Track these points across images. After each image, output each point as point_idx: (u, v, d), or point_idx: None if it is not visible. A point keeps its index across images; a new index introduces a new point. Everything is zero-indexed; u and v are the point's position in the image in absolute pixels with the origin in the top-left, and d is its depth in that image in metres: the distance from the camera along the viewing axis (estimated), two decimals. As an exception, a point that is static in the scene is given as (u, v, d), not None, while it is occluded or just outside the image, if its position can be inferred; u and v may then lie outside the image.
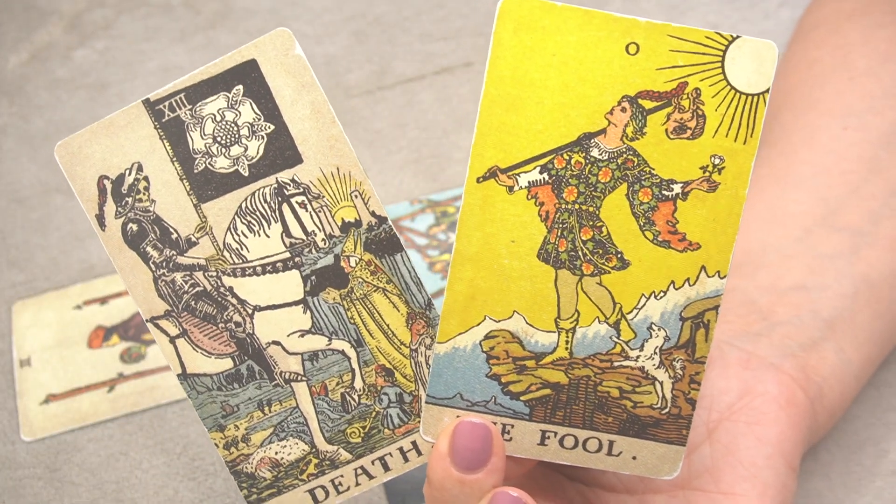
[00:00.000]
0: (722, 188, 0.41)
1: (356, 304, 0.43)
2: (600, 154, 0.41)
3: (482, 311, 0.42)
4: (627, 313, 0.42)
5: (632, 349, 0.42)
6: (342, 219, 0.42)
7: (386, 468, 0.44)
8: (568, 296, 0.42)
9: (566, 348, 0.42)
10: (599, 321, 0.42)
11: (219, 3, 0.78)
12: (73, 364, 0.60)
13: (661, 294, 0.42)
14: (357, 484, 0.44)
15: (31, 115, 0.72)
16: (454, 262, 0.41)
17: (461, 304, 0.42)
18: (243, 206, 0.42)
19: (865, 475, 0.53)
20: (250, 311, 0.43)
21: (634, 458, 0.43)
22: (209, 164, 0.42)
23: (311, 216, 0.42)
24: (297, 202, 0.42)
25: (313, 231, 0.42)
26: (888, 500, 0.52)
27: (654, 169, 0.41)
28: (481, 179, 0.41)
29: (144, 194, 0.42)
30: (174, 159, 0.42)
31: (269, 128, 0.42)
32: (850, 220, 0.52)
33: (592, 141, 0.41)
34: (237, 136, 0.42)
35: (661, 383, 0.42)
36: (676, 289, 0.41)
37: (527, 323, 0.42)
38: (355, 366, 0.43)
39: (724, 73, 0.40)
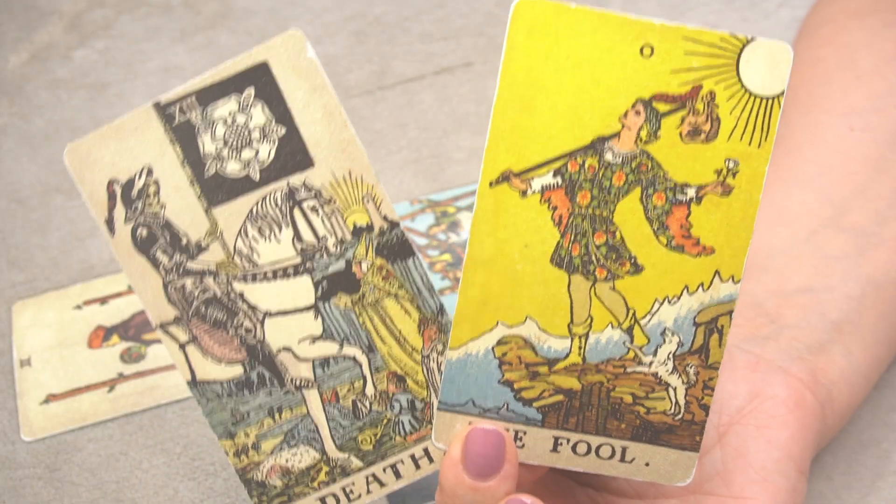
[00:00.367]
0: (736, 192, 0.40)
1: (368, 309, 0.43)
2: (614, 158, 0.40)
3: (495, 316, 0.42)
4: (641, 318, 0.42)
5: (645, 355, 0.42)
6: (354, 223, 0.42)
7: (398, 475, 0.44)
8: (581, 301, 0.41)
9: (579, 354, 0.42)
10: (613, 326, 0.42)
11: (219, 3, 0.78)
12: (74, 364, 0.60)
13: (675, 299, 0.41)
14: (368, 492, 0.44)
15: (31, 115, 0.72)
16: (466, 266, 0.41)
17: (473, 309, 0.41)
18: (254, 210, 0.42)
19: (867, 476, 0.53)
20: (261, 317, 0.42)
21: (647, 464, 0.43)
22: (220, 168, 0.41)
23: (323, 221, 0.42)
24: (308, 207, 0.42)
25: (324, 236, 0.42)
26: (890, 501, 0.52)
27: (668, 172, 0.40)
28: (494, 183, 0.41)
29: (154, 199, 0.41)
30: (184, 163, 0.41)
31: (280, 131, 0.41)
32: (857, 221, 0.52)
33: (606, 144, 0.40)
34: (248, 139, 0.41)
35: (675, 389, 0.42)
36: (690, 294, 0.41)
37: (539, 328, 0.42)
38: (367, 372, 0.43)
39: (738, 75, 0.40)
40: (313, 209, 0.42)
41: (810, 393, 0.47)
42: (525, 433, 0.42)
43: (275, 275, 0.42)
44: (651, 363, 0.42)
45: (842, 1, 0.61)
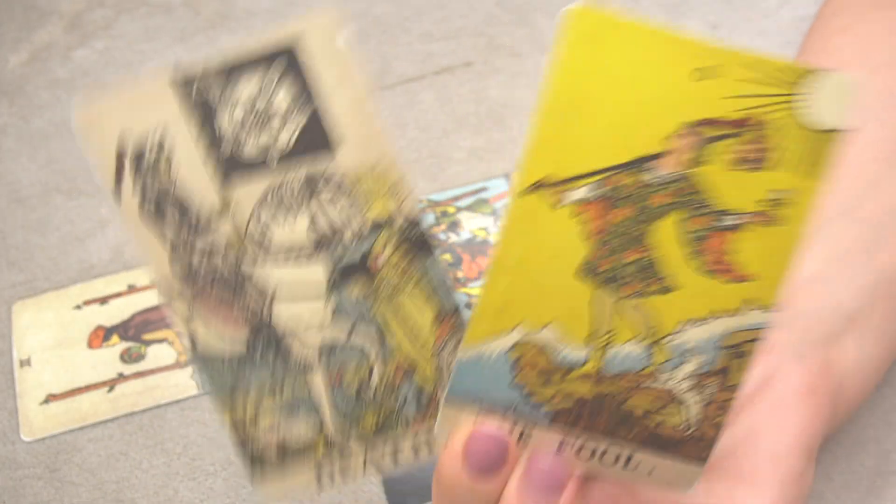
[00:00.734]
0: (780, 223, 0.39)
1: (381, 302, 0.42)
2: (655, 178, 0.39)
3: (513, 320, 0.41)
4: (664, 337, 0.41)
5: (663, 372, 0.41)
6: (374, 216, 0.41)
7: (395, 462, 0.44)
8: (603, 314, 0.41)
9: (596, 365, 0.41)
10: (634, 342, 0.41)
11: (219, 3, 0.78)
12: (73, 364, 0.60)
13: (702, 322, 0.40)
14: (364, 474, 0.44)
15: (30, 114, 0.72)
16: (492, 270, 0.40)
17: (493, 312, 0.41)
18: (269, 196, 0.40)
19: (867, 475, 0.53)
20: (268, 301, 0.42)
21: (650, 472, 0.42)
22: (236, 149, 0.40)
23: (341, 211, 0.41)
24: (325, 197, 0.41)
25: (341, 228, 0.41)
26: (890, 501, 0.52)
27: (709, 198, 0.39)
28: (527, 191, 0.40)
29: (165, 173, 0.40)
30: (199, 140, 0.40)
31: (303, 116, 0.40)
32: (869, 214, 0.52)
33: (648, 164, 0.39)
34: (268, 123, 0.40)
35: (689, 407, 0.41)
36: (717, 318, 0.40)
37: (558, 337, 0.41)
38: (374, 362, 0.43)
39: (795, 106, 0.38)
40: (331, 200, 0.41)
41: (822, 382, 0.47)
42: (531, 434, 0.42)
43: (286, 261, 0.41)
44: (668, 381, 0.41)
45: None
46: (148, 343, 0.60)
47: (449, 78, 0.71)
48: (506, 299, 0.40)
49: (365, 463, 0.43)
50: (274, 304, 0.42)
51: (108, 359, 0.60)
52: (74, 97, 0.73)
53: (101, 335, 0.61)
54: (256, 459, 0.43)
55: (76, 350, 0.60)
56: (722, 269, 0.39)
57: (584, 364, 0.41)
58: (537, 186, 0.40)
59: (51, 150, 0.70)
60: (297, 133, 0.40)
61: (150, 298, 0.62)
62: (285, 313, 0.42)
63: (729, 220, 0.39)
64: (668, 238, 0.40)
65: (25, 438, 0.58)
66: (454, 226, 0.64)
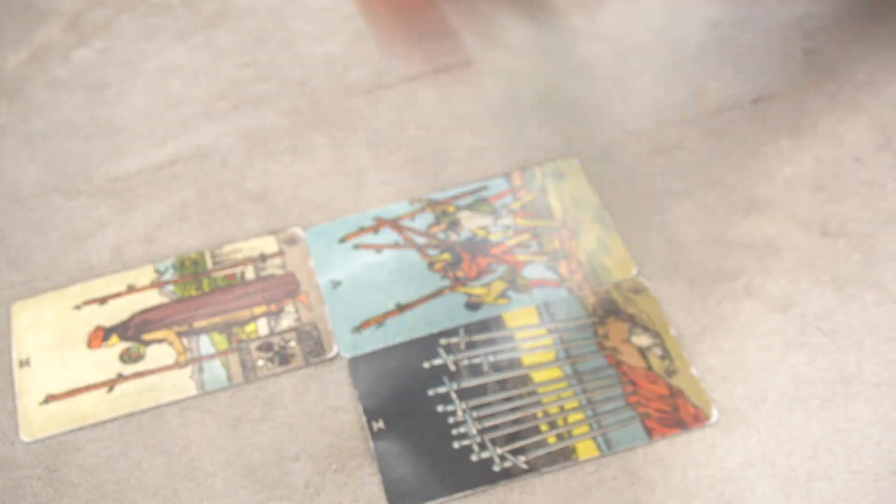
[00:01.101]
0: None
1: None
2: None
3: None
4: None
5: None
6: None
7: None
8: None
9: None
10: None
11: (218, 2, 0.78)
12: (73, 364, 0.60)
13: None
14: None
15: (30, 114, 0.72)
16: None
17: None
18: None
19: (867, 475, 0.52)
20: None
21: None
22: None
23: None
24: None
25: None
26: (890, 501, 0.52)
27: None
28: None
29: None
30: None
31: None
32: None
33: None
34: None
35: None
36: None
37: None
38: None
39: None
40: None
41: None
42: None
43: None
44: None
45: None
46: (147, 343, 0.60)
47: (449, 77, 0.71)
48: None
49: None
50: None
51: (107, 359, 0.60)
52: (74, 97, 0.73)
53: (101, 335, 0.61)
54: None
55: (76, 350, 0.60)
56: None
57: None
58: None
59: (50, 150, 0.70)
60: None
61: (149, 298, 0.62)
62: None
63: None
64: None
65: (25, 439, 0.58)
66: (454, 225, 0.64)
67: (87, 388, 0.59)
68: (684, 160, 0.65)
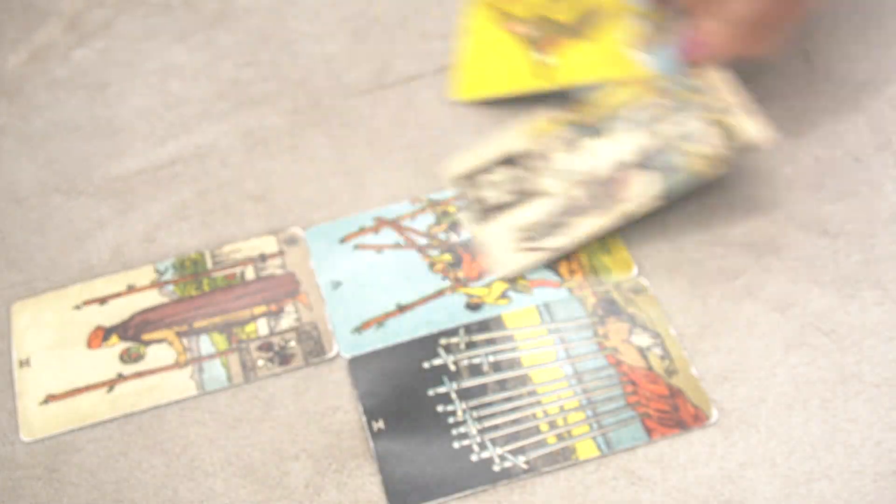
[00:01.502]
0: None
1: None
2: None
3: None
4: None
5: None
6: None
7: None
8: None
9: None
10: None
11: (218, 2, 0.78)
12: (73, 364, 0.60)
13: None
14: None
15: (30, 115, 0.72)
16: None
17: None
18: None
19: (868, 475, 0.52)
20: None
21: None
22: None
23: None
24: None
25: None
26: (890, 501, 0.52)
27: None
28: None
29: None
30: None
31: None
32: None
33: None
34: None
35: None
36: None
37: None
38: None
39: None
40: None
41: None
42: None
43: None
44: None
45: None
46: (147, 343, 0.60)
47: (449, 77, 0.71)
48: None
49: None
50: None
51: (107, 359, 0.60)
52: (74, 97, 0.73)
53: (101, 335, 0.61)
54: None
55: (75, 350, 0.60)
56: None
57: None
58: None
59: (50, 150, 0.70)
60: None
61: (149, 298, 0.62)
62: None
63: None
64: None
65: (24, 439, 0.58)
66: (454, 225, 0.64)
67: (87, 388, 0.59)
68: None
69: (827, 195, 0.63)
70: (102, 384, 0.59)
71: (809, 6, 0.61)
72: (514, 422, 0.56)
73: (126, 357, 0.60)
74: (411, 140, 0.68)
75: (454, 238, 0.63)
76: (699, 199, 0.63)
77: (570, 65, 0.65)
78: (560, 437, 0.55)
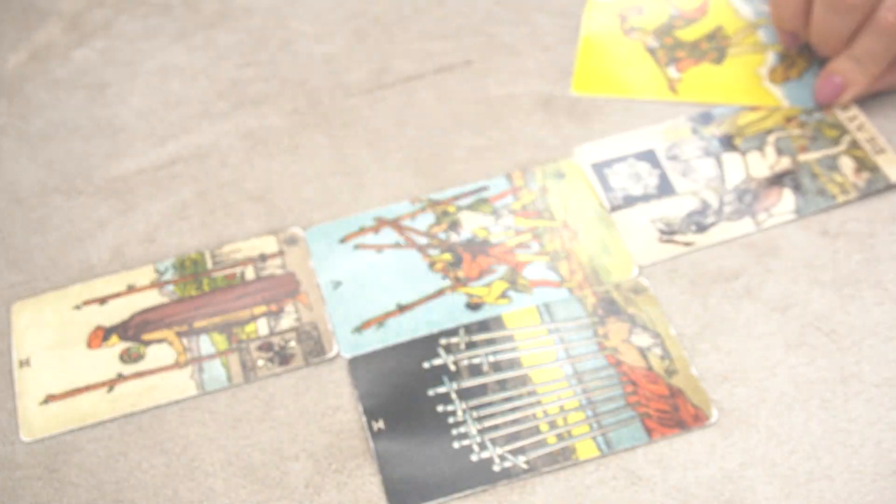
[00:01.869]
0: None
1: None
2: None
3: None
4: None
5: None
6: None
7: None
8: None
9: None
10: None
11: (218, 2, 0.78)
12: (73, 364, 0.60)
13: None
14: None
15: (30, 115, 0.72)
16: None
17: None
18: None
19: (867, 475, 0.52)
20: None
21: None
22: None
23: None
24: None
25: None
26: (890, 501, 0.52)
27: None
28: None
29: None
30: None
31: None
32: None
33: None
34: None
35: None
36: None
37: None
38: None
39: None
40: None
41: None
42: None
43: None
44: None
45: None
46: (147, 343, 0.60)
47: (449, 76, 0.71)
48: None
49: None
50: None
51: (107, 359, 0.60)
52: (73, 97, 0.73)
53: (101, 335, 0.61)
54: None
55: (75, 350, 0.60)
56: None
57: None
58: None
59: (50, 150, 0.70)
60: None
61: (149, 298, 0.62)
62: None
63: None
64: None
65: (25, 439, 0.58)
66: (454, 225, 0.64)
67: (87, 388, 0.59)
68: (684, 160, 0.66)
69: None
70: (102, 384, 0.59)
71: None
72: (514, 422, 0.56)
73: (126, 357, 0.60)
74: (411, 140, 0.68)
75: (454, 238, 0.63)
76: (699, 199, 0.63)
77: (697, 83, 0.68)
78: (560, 437, 0.55)
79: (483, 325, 0.59)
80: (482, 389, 0.57)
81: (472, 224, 0.64)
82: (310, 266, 0.63)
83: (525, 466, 0.54)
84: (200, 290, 0.62)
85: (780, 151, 0.64)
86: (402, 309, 0.60)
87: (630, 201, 0.63)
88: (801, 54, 0.68)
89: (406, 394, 0.57)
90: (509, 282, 0.61)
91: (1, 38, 0.77)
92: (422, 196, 0.65)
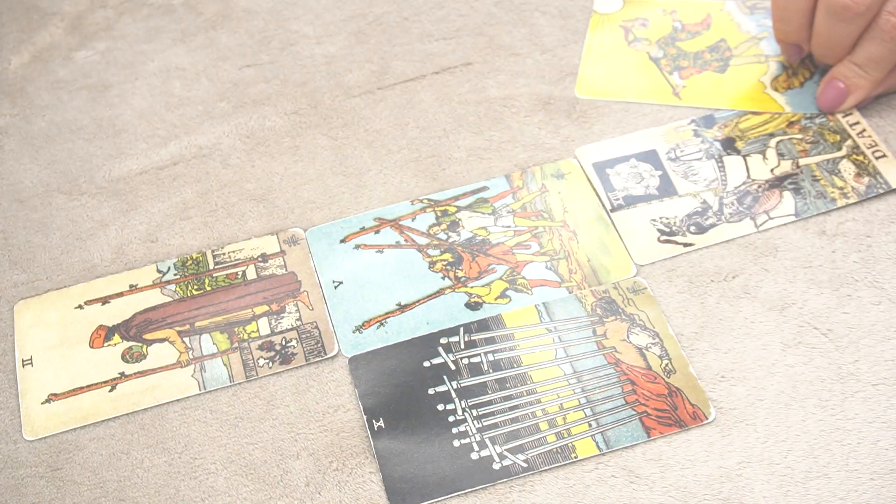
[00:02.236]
0: None
1: None
2: None
3: None
4: None
5: None
6: None
7: None
8: None
9: None
10: None
11: (220, 3, 0.78)
12: (75, 363, 0.60)
13: None
14: None
15: (32, 115, 0.73)
16: None
17: None
18: None
19: (865, 473, 0.53)
20: None
21: None
22: None
23: None
24: None
25: None
26: (888, 499, 0.52)
27: None
28: None
29: None
30: None
31: None
32: None
33: None
34: None
35: None
36: None
37: None
38: None
39: None
40: None
41: None
42: None
43: None
44: None
45: None
46: (149, 343, 0.61)
47: (449, 77, 0.72)
48: None
49: None
50: None
51: (109, 358, 0.60)
52: (76, 98, 0.73)
53: (103, 335, 0.61)
54: None
55: (78, 349, 0.61)
56: None
57: None
58: None
59: (53, 150, 0.71)
60: None
61: (151, 298, 0.62)
62: None
63: None
64: None
65: (27, 437, 0.58)
66: (454, 225, 0.64)
67: (90, 387, 0.59)
68: (683, 160, 0.66)
69: (825, 195, 0.63)
70: (104, 383, 0.59)
71: None
72: (514, 420, 0.56)
73: (128, 356, 0.60)
74: (411, 140, 0.68)
75: (454, 237, 0.63)
76: (698, 199, 0.63)
77: (701, 90, 0.68)
78: (559, 436, 0.55)
79: (483, 325, 0.59)
80: (482, 388, 0.57)
81: (471, 224, 0.64)
82: (311, 266, 0.63)
83: (524, 465, 0.54)
84: (202, 289, 0.62)
85: (781, 155, 0.64)
86: (402, 308, 0.61)
87: (631, 201, 0.63)
88: (803, 64, 0.68)
89: (406, 393, 0.57)
90: (509, 281, 0.61)
91: (3, 39, 0.78)
92: (422, 196, 0.65)
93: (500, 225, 0.64)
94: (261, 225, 0.65)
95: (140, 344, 0.61)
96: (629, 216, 0.63)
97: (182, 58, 0.75)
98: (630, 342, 0.58)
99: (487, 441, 0.55)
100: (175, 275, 0.63)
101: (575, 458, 0.54)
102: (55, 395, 0.59)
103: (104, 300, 0.63)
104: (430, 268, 0.62)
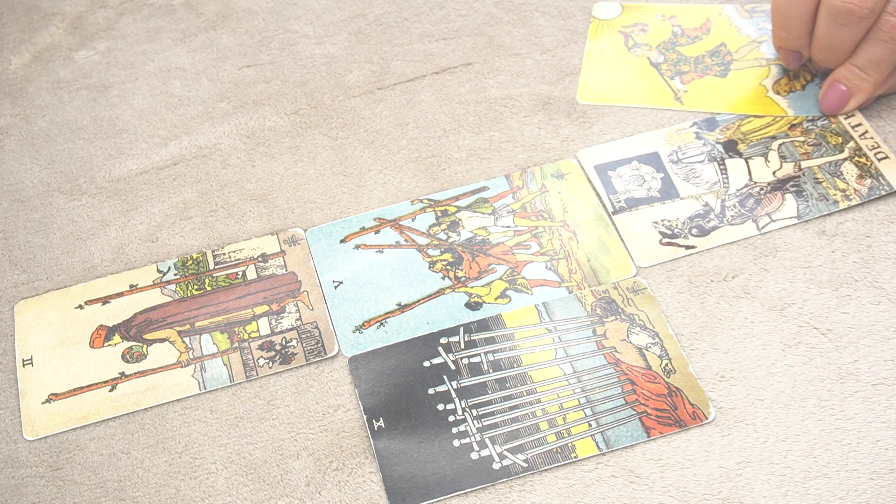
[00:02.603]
0: None
1: None
2: None
3: None
4: None
5: None
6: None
7: None
8: None
9: None
10: None
11: (220, 4, 0.78)
12: (75, 363, 0.60)
13: None
14: None
15: (33, 115, 0.73)
16: None
17: None
18: None
19: (864, 473, 0.53)
20: None
21: None
22: None
23: None
24: None
25: None
26: (887, 499, 0.52)
27: None
28: None
29: None
30: None
31: None
32: None
33: None
34: None
35: None
36: None
37: None
38: None
39: None
40: None
41: None
42: None
43: None
44: None
45: None
46: (149, 342, 0.61)
47: (448, 78, 0.72)
48: None
49: None
50: None
51: (109, 358, 0.60)
52: (76, 98, 0.73)
53: (103, 334, 0.61)
54: None
55: (78, 349, 0.61)
56: None
57: None
58: None
59: (53, 150, 0.71)
60: None
61: (151, 298, 0.62)
62: None
63: None
64: None
65: (28, 437, 0.58)
66: (454, 225, 0.64)
67: (90, 387, 0.59)
68: (683, 161, 0.66)
69: (824, 195, 0.63)
70: (105, 383, 0.59)
71: None
72: (514, 420, 0.56)
73: (128, 356, 0.60)
74: (411, 140, 0.69)
75: (454, 237, 0.64)
76: (697, 199, 0.63)
77: (702, 94, 0.69)
78: (559, 436, 0.55)
79: (483, 325, 0.59)
80: (482, 388, 0.57)
81: (471, 224, 0.64)
82: (311, 266, 0.63)
83: (524, 465, 0.54)
84: (202, 289, 0.63)
85: (783, 157, 0.64)
86: (402, 308, 0.61)
87: (633, 203, 0.63)
88: (804, 67, 0.69)
89: (406, 392, 0.57)
90: (509, 281, 0.61)
91: (4, 39, 0.78)
92: (422, 196, 0.66)
93: (500, 225, 0.64)
94: (261, 225, 0.65)
95: (140, 344, 0.61)
96: (631, 218, 0.63)
97: (182, 58, 0.75)
98: (630, 342, 0.58)
99: (487, 441, 0.55)
100: (175, 275, 0.63)
101: (575, 457, 0.54)
102: (55, 394, 0.59)
103: (104, 300, 0.63)
104: (430, 268, 0.62)
